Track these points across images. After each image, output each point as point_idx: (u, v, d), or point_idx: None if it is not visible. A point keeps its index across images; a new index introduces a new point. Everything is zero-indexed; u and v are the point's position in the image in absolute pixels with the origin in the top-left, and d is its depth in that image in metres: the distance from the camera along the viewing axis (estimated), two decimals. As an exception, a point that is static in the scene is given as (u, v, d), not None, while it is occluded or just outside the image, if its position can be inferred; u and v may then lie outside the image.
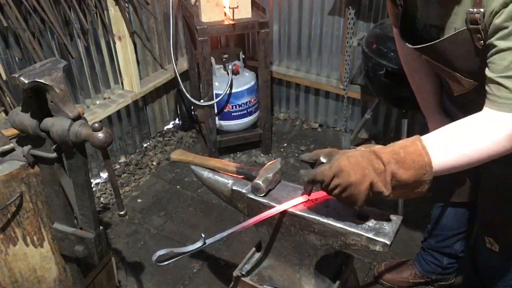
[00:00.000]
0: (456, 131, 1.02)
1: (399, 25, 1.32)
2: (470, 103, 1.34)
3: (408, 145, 0.97)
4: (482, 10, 1.00)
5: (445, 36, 1.14)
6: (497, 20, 0.96)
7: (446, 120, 1.52)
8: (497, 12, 0.97)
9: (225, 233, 1.14)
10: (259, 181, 1.21)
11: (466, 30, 1.07)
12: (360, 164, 0.96)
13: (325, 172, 0.99)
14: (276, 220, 1.22)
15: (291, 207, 1.17)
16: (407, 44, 1.28)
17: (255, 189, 1.22)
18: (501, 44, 0.97)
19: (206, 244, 1.12)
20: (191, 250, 1.11)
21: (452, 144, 0.99)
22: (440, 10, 1.15)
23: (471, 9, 1.02)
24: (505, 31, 0.95)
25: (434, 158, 0.97)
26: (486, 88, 1.02)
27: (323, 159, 1.00)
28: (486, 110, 1.02)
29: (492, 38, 0.99)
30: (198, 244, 1.11)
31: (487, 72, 1.02)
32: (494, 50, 0.99)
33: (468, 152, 0.98)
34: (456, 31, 1.10)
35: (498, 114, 0.99)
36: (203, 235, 1.11)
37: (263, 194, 1.22)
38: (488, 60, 1.02)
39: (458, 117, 1.45)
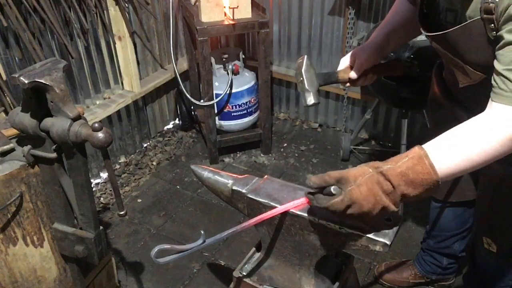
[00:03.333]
0: (460, 135, 1.01)
1: (418, 11, 1.29)
2: (473, 96, 1.32)
3: (416, 164, 0.96)
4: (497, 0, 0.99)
5: (459, 25, 1.11)
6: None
7: (368, 57, 1.46)
8: (510, 4, 0.95)
9: (224, 234, 1.14)
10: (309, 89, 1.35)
11: (479, 19, 1.05)
12: (371, 192, 0.96)
13: (338, 206, 0.98)
14: (277, 221, 1.22)
15: (292, 208, 1.17)
16: (423, 30, 1.26)
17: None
18: (510, 37, 0.95)
19: (206, 243, 1.11)
20: (190, 249, 1.11)
21: (456, 151, 0.98)
22: None
23: None
24: None
25: (441, 170, 0.96)
26: (492, 81, 1.01)
27: (333, 191, 0.99)
28: (490, 106, 1.01)
29: (503, 30, 0.98)
30: (198, 242, 1.11)
31: (495, 64, 1.01)
32: (503, 42, 0.98)
33: (474, 156, 0.97)
34: (470, 20, 1.08)
35: (502, 108, 0.97)
36: (202, 232, 1.11)
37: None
38: (496, 52, 1.00)
39: (451, 110, 1.44)
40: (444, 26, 1.19)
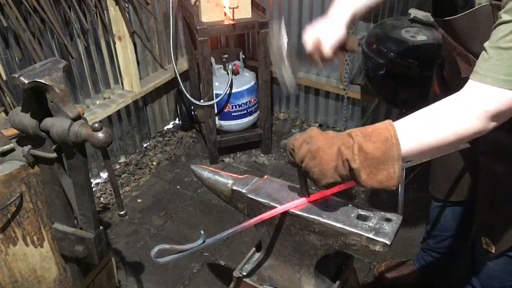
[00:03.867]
0: (430, 110, 0.99)
1: None
2: None
3: (377, 124, 1.00)
4: None
5: (467, 11, 1.10)
6: None
7: (337, 29, 1.28)
8: None
9: (224, 234, 1.14)
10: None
11: (488, 5, 1.04)
12: (329, 134, 1.01)
13: (296, 137, 1.03)
14: (277, 221, 1.22)
15: (292, 208, 1.17)
16: (431, 14, 1.26)
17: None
18: (506, 17, 0.93)
19: (206, 243, 1.11)
20: (190, 249, 1.11)
21: (422, 122, 0.98)
22: None
23: None
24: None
25: (403, 137, 0.96)
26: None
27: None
28: (466, 84, 0.98)
29: (501, 11, 0.96)
30: (198, 242, 1.11)
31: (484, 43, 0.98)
32: (498, 21, 0.95)
33: (440, 130, 0.95)
34: (479, 5, 1.07)
35: (477, 86, 0.94)
36: (202, 232, 1.11)
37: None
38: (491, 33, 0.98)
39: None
40: (455, 10, 1.17)
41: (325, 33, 1.26)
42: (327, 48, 1.26)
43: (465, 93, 0.97)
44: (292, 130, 3.37)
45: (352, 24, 1.46)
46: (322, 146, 0.99)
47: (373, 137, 0.96)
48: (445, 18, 1.18)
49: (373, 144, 0.96)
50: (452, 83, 1.42)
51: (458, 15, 1.13)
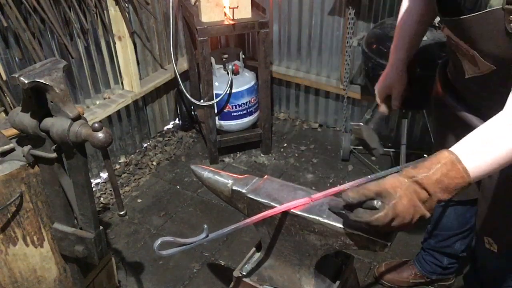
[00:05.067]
0: (487, 136, 1.00)
1: None
2: (478, 90, 1.31)
3: (450, 170, 0.96)
4: None
5: (477, 13, 1.10)
6: None
7: (400, 77, 1.55)
8: None
9: (227, 229, 1.14)
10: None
11: (500, 9, 1.04)
12: (411, 203, 0.96)
13: (382, 220, 0.97)
14: (277, 221, 1.22)
15: (293, 208, 1.17)
16: (440, 14, 1.26)
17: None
18: None
19: (209, 237, 1.11)
20: (193, 242, 1.11)
21: (486, 152, 0.98)
22: None
23: None
24: None
25: (473, 172, 0.97)
26: None
27: (377, 206, 0.98)
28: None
29: None
30: (201, 236, 1.11)
31: None
32: None
33: (503, 155, 0.98)
34: (490, 8, 1.07)
35: None
36: (205, 226, 1.11)
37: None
38: None
39: (458, 111, 1.43)
40: (461, 11, 1.17)
41: (394, 86, 1.50)
42: (397, 101, 1.50)
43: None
44: (293, 130, 3.38)
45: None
46: (408, 222, 0.98)
47: (451, 189, 0.96)
48: (453, 18, 1.17)
49: (450, 195, 0.97)
50: (456, 83, 1.42)
51: (469, 15, 1.12)
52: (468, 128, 1.10)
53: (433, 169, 0.96)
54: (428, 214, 0.99)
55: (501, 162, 0.99)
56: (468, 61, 1.23)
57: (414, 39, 1.56)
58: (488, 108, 1.09)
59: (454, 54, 1.32)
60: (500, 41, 1.08)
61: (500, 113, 1.01)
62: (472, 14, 1.10)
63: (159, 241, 1.06)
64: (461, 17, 1.14)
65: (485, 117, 1.06)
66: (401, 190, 0.95)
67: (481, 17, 1.09)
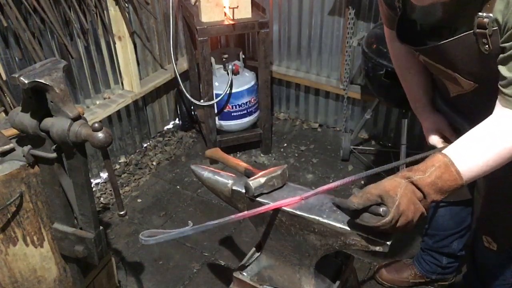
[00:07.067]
0: (477, 140, 1.06)
1: (396, 27, 1.31)
2: (466, 104, 1.34)
3: (443, 173, 1.01)
4: (491, 15, 1.01)
5: (449, 39, 1.13)
6: None
7: (439, 117, 1.52)
8: None
9: (211, 223, 1.16)
10: (250, 181, 1.21)
11: (472, 34, 1.07)
12: (411, 201, 1.00)
13: (388, 223, 1.00)
14: (276, 221, 1.22)
15: (284, 205, 1.17)
16: (406, 45, 1.28)
17: (246, 189, 1.23)
18: None
19: (194, 228, 1.15)
20: (177, 233, 1.14)
21: (478, 155, 1.03)
22: (444, 13, 1.14)
23: (480, 14, 1.03)
24: None
25: (465, 174, 1.02)
26: (503, 89, 1.04)
27: (382, 212, 1.00)
28: (503, 111, 1.05)
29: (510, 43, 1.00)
30: (185, 228, 1.14)
31: (505, 72, 1.03)
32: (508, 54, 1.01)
33: (494, 158, 1.03)
34: (461, 34, 1.10)
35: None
36: (190, 222, 1.14)
37: (252, 195, 1.22)
38: (504, 60, 1.03)
39: (451, 117, 1.46)
40: (429, 41, 1.21)
41: (442, 129, 1.52)
42: (452, 138, 1.47)
43: (506, 121, 1.05)
44: (292, 130, 3.38)
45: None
46: (411, 220, 1.01)
47: (444, 190, 1.02)
48: (427, 46, 1.21)
49: (443, 196, 1.03)
50: (445, 93, 1.42)
51: (441, 42, 1.15)
52: (459, 131, 1.16)
53: (428, 171, 1.01)
54: (425, 212, 1.03)
55: (493, 165, 1.04)
56: (451, 82, 1.27)
57: (424, 84, 1.53)
58: (478, 115, 1.12)
59: (437, 76, 1.34)
60: (477, 61, 1.12)
61: (490, 116, 1.06)
62: (445, 41, 1.14)
63: (146, 233, 1.11)
64: (435, 44, 1.17)
65: (475, 121, 1.10)
66: (400, 190, 0.99)
67: (455, 42, 1.12)
